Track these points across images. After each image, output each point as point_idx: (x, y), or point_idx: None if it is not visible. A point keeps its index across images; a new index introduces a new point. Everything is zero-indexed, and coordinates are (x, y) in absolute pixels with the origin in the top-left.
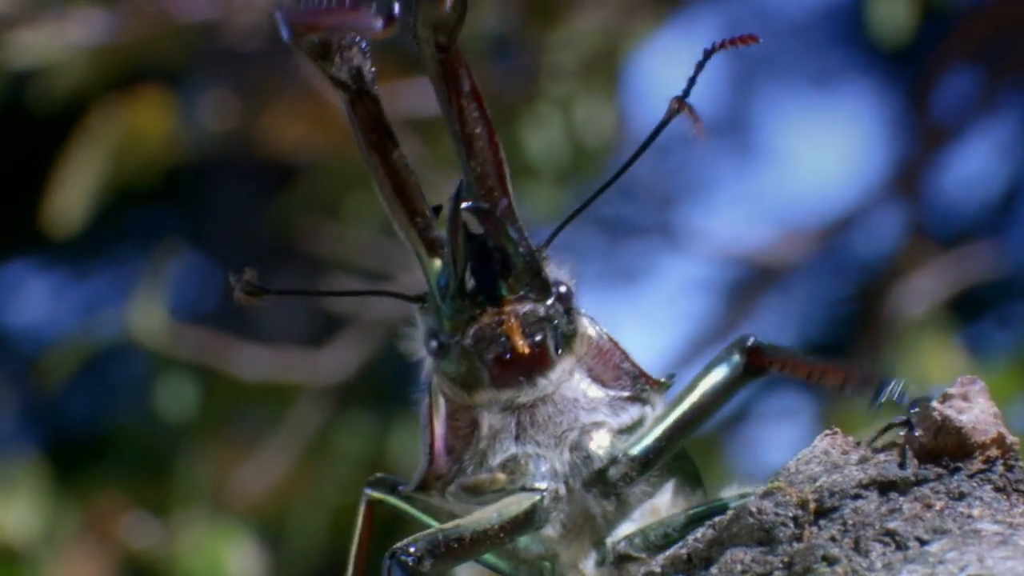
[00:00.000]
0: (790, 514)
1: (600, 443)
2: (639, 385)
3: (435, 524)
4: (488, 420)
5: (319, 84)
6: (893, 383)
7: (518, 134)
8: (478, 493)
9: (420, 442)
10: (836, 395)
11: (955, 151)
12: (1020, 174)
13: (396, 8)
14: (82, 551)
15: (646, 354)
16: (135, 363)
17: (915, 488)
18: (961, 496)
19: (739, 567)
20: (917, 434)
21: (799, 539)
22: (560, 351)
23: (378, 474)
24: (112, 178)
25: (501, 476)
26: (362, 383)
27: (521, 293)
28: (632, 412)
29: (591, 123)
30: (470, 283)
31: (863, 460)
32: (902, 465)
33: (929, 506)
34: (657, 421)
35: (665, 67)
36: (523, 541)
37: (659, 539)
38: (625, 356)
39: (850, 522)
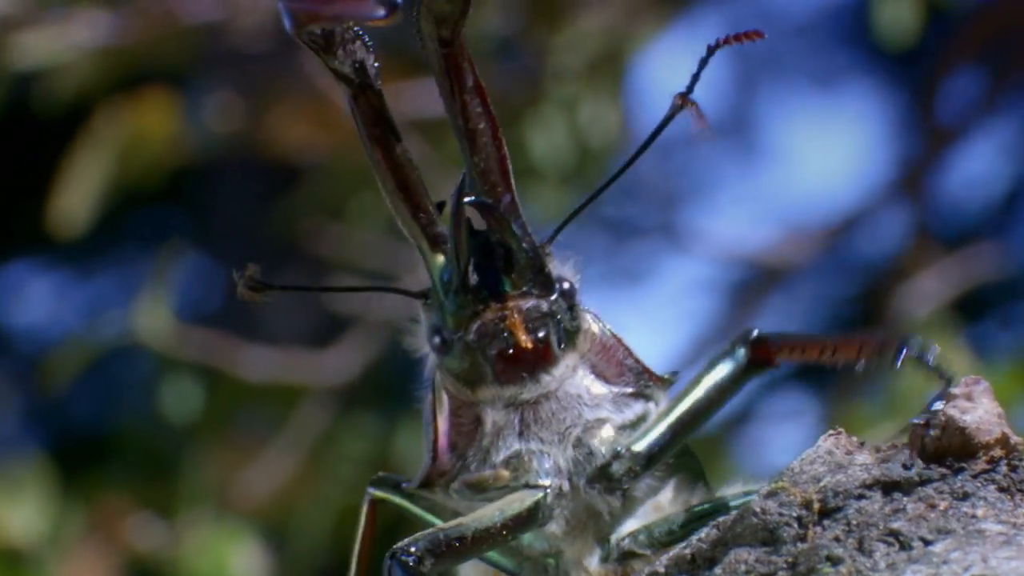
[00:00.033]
0: (794, 514)
1: (603, 439)
2: (642, 381)
3: (439, 522)
4: (491, 416)
5: (323, 85)
6: (913, 340)
7: (523, 135)
8: (482, 490)
9: (423, 439)
10: (854, 369)
11: (959, 152)
12: None
13: None
14: (87, 552)
15: (650, 355)
16: (140, 364)
17: (919, 488)
18: (965, 496)
19: (743, 567)
20: (932, 434)
21: (803, 539)
22: (563, 347)
23: (381, 473)
24: (117, 179)
25: (505, 473)
26: (367, 384)
27: (524, 289)
28: (635, 408)
29: (595, 124)
30: (473, 279)
31: (867, 460)
32: (906, 465)
33: (933, 506)
34: (661, 417)
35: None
36: (527, 538)
37: (663, 536)
38: (628, 352)
39: (854, 522)
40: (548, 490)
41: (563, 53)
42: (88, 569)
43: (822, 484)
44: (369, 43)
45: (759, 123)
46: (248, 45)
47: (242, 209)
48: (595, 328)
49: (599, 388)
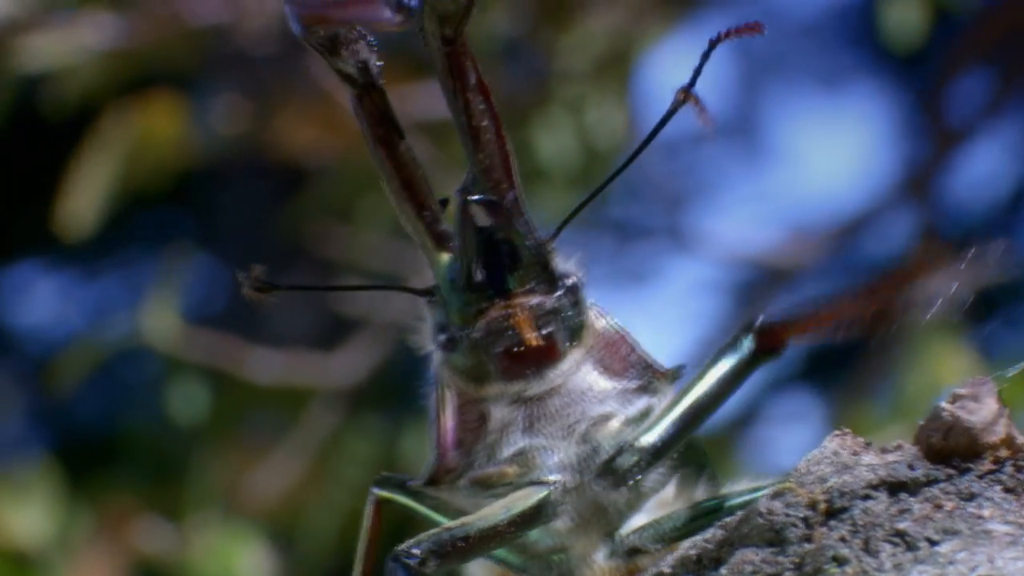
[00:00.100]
0: (800, 515)
1: (609, 434)
2: (648, 376)
3: (445, 521)
4: (497, 413)
5: (330, 88)
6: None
7: (529, 136)
8: (488, 486)
9: (429, 436)
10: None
11: (966, 153)
12: None
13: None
14: (94, 555)
15: (655, 354)
16: (147, 366)
17: (925, 489)
18: (971, 497)
19: (749, 568)
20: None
21: (809, 540)
22: (569, 343)
23: (385, 472)
24: (124, 182)
25: (511, 469)
26: (374, 386)
27: (529, 286)
28: (641, 403)
29: (602, 126)
30: (478, 276)
31: (873, 461)
32: (912, 466)
33: (939, 507)
34: (667, 410)
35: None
36: (533, 535)
37: (670, 531)
38: (634, 347)
39: (860, 523)
40: (554, 486)
41: (570, 54)
42: (95, 572)
43: (828, 485)
44: (372, 43)
45: (765, 124)
46: (255, 47)
47: (249, 211)
48: (600, 323)
49: (605, 383)
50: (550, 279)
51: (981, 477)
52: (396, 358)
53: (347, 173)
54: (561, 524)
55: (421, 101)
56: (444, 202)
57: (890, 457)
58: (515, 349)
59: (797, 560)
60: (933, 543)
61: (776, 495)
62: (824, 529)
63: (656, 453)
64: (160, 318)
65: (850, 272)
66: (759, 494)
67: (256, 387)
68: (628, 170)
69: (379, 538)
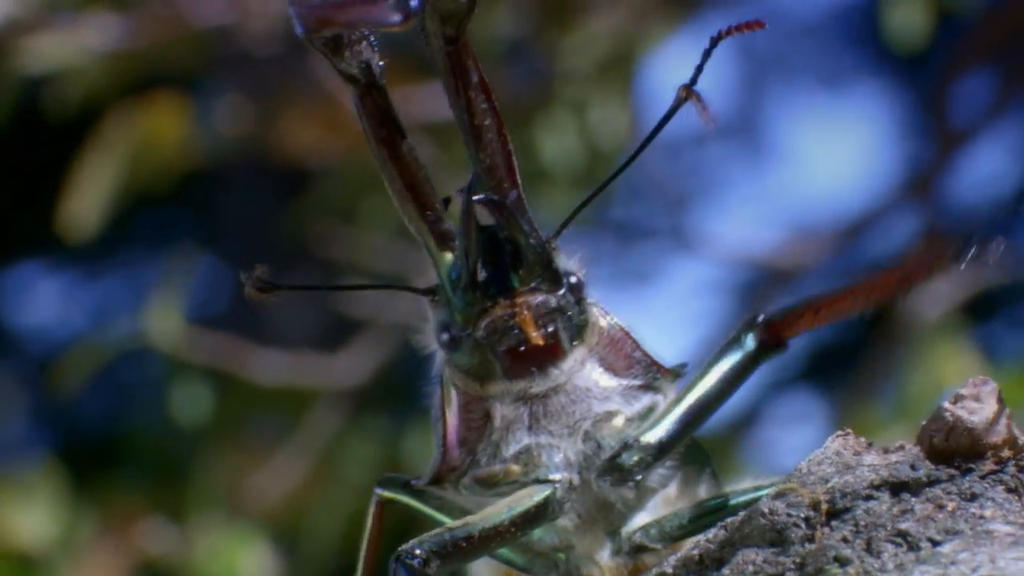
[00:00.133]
0: (802, 515)
1: (613, 432)
2: (651, 374)
3: (448, 521)
4: (501, 411)
5: (333, 89)
6: (977, 236)
7: (533, 137)
8: (492, 485)
9: (433, 435)
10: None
11: (968, 154)
12: None
13: (414, 1)
14: (98, 556)
15: (658, 352)
16: (150, 367)
17: (927, 489)
18: (973, 497)
19: (751, 568)
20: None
21: (811, 540)
22: (572, 341)
23: (388, 473)
24: (127, 183)
25: (515, 468)
26: (377, 388)
27: (532, 284)
28: (645, 401)
29: (605, 126)
30: (481, 275)
31: (875, 461)
32: (914, 466)
33: (941, 507)
34: (670, 407)
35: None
36: (537, 533)
37: (675, 530)
38: (637, 345)
39: (862, 523)
40: (558, 484)
41: (573, 56)
42: (98, 573)
43: (830, 485)
44: (375, 43)
45: (767, 124)
46: (258, 49)
47: (252, 212)
48: (603, 321)
49: (608, 381)
50: (553, 277)
51: (983, 477)
52: (399, 359)
53: (350, 174)
54: (565, 522)
55: (424, 102)
56: (447, 201)
57: (892, 457)
58: (519, 347)
59: (799, 560)
60: (935, 543)
61: (778, 495)
62: (826, 529)
63: (660, 450)
64: (164, 319)
65: (852, 273)
66: (762, 493)
67: (259, 388)
68: (631, 171)
69: (382, 539)
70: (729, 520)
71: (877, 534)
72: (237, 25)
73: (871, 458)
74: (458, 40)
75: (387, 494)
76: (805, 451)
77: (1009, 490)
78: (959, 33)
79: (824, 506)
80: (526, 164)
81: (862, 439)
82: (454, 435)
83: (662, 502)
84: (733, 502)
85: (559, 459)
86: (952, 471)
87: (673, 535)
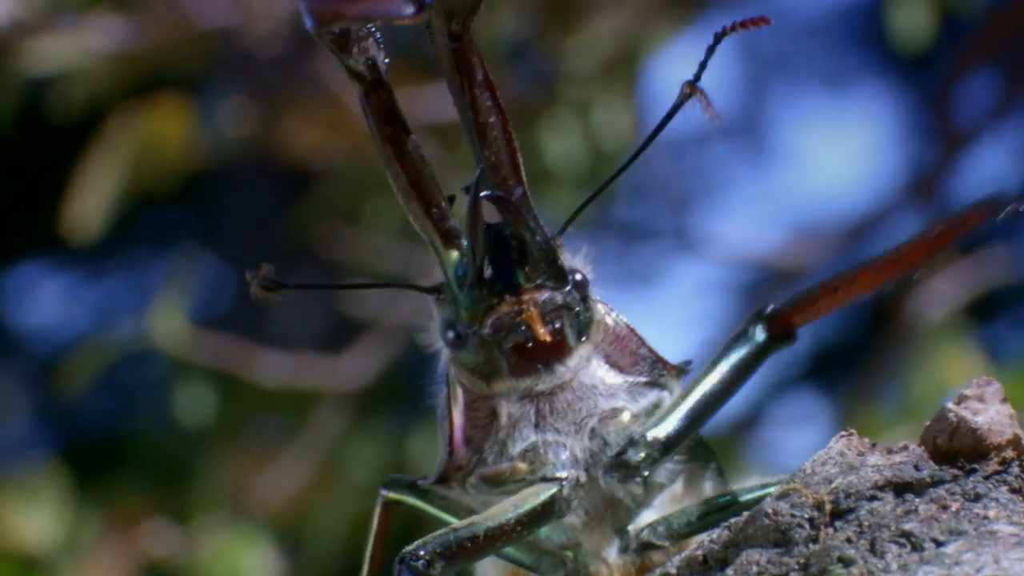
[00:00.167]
0: (806, 515)
1: (619, 428)
2: (656, 370)
3: (455, 521)
4: (507, 409)
5: (337, 89)
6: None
7: (537, 138)
8: (499, 483)
9: (439, 434)
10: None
11: (972, 155)
12: None
13: None
14: (102, 558)
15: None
16: (154, 368)
17: (931, 489)
18: (977, 497)
19: (755, 568)
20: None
21: (815, 540)
22: (578, 338)
23: (393, 474)
24: (131, 184)
25: (522, 466)
26: (381, 389)
27: (538, 281)
28: (650, 397)
29: (609, 127)
30: (487, 272)
31: (879, 461)
32: (918, 467)
33: (945, 507)
34: (676, 403)
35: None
36: (544, 531)
37: (682, 527)
38: (642, 342)
39: (866, 523)
40: (565, 482)
41: (577, 56)
42: (103, 574)
43: (834, 485)
44: (380, 40)
45: (771, 125)
46: (262, 50)
47: (256, 213)
48: (608, 318)
49: (614, 378)
50: (558, 274)
51: (987, 478)
52: (404, 361)
53: (354, 175)
54: (573, 520)
55: (429, 103)
56: (452, 199)
57: (896, 458)
58: (525, 344)
59: (803, 561)
60: (939, 544)
61: (782, 496)
62: (830, 530)
63: (666, 445)
64: (168, 320)
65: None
66: (770, 490)
67: (263, 389)
68: (634, 171)
69: (387, 540)
70: (733, 520)
71: (881, 535)
72: (241, 26)
73: (875, 459)
74: (462, 37)
75: (392, 495)
76: (809, 452)
77: (1013, 490)
78: (963, 34)
79: (828, 507)
80: (530, 165)
81: (866, 440)
82: (460, 434)
83: (669, 499)
84: (741, 499)
85: (566, 456)
86: (956, 472)
87: (681, 532)
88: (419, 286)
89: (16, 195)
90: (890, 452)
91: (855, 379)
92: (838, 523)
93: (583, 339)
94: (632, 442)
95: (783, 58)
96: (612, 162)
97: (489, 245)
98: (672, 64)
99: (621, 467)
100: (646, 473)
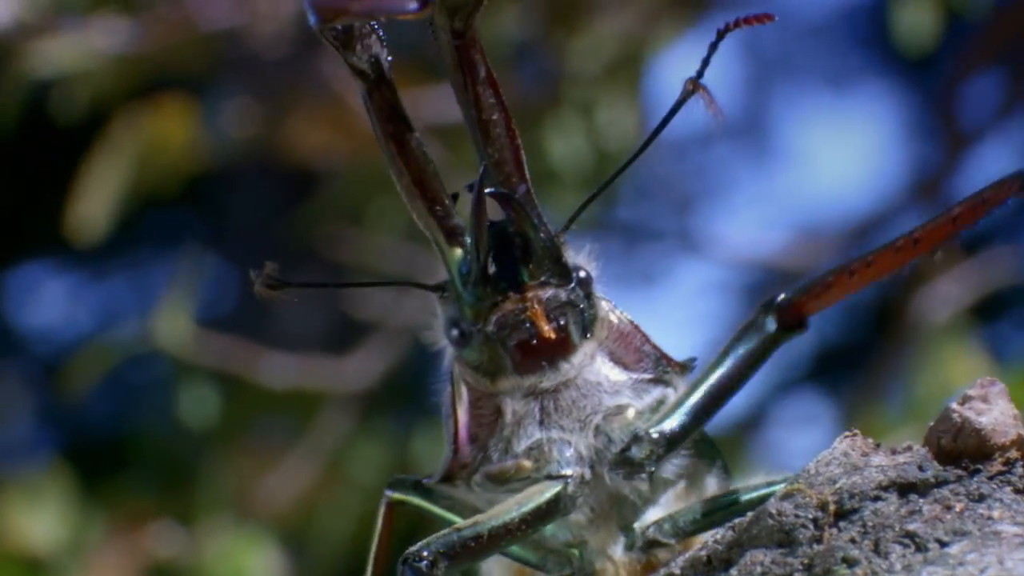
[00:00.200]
0: (810, 516)
1: (624, 425)
2: (661, 367)
3: (459, 521)
4: (511, 406)
5: (341, 90)
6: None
7: (541, 139)
8: (504, 481)
9: (444, 433)
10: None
11: (976, 156)
12: None
13: None
14: (106, 559)
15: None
16: (157, 369)
17: (935, 490)
18: (981, 498)
19: (759, 569)
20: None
21: (819, 541)
22: (582, 335)
23: (398, 475)
24: (135, 185)
25: (527, 463)
26: (386, 391)
27: (542, 278)
28: (655, 394)
29: (613, 128)
30: (491, 269)
31: (883, 462)
32: (922, 467)
33: (949, 508)
34: (682, 398)
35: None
36: (549, 529)
37: (688, 525)
38: (646, 339)
39: (870, 524)
40: (570, 480)
41: (581, 57)
42: None
43: (838, 486)
44: (383, 37)
45: (774, 125)
46: (266, 51)
47: (260, 215)
48: (612, 316)
49: (618, 375)
50: (562, 271)
51: (991, 478)
52: (408, 362)
53: (358, 176)
54: (578, 517)
55: (433, 104)
56: (455, 197)
57: (900, 458)
58: (529, 342)
59: (807, 561)
60: (943, 544)
61: (786, 496)
62: (834, 530)
63: (671, 441)
64: (172, 321)
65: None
66: (775, 488)
67: (268, 391)
68: (638, 172)
69: (392, 541)
70: (737, 521)
71: (885, 535)
72: (245, 27)
73: (879, 459)
74: (465, 34)
75: (397, 496)
76: (813, 452)
77: (1017, 491)
78: (967, 34)
79: (832, 507)
80: (534, 165)
81: (870, 440)
82: (465, 432)
83: (675, 497)
84: (746, 497)
85: (570, 454)
86: (960, 472)
87: (687, 530)
88: (423, 284)
89: (20, 196)
90: (894, 452)
91: (859, 379)
92: (842, 523)
93: (587, 336)
94: (636, 438)
95: (787, 58)
96: (616, 163)
97: (493, 242)
98: (676, 65)
99: (626, 464)
100: (651, 470)
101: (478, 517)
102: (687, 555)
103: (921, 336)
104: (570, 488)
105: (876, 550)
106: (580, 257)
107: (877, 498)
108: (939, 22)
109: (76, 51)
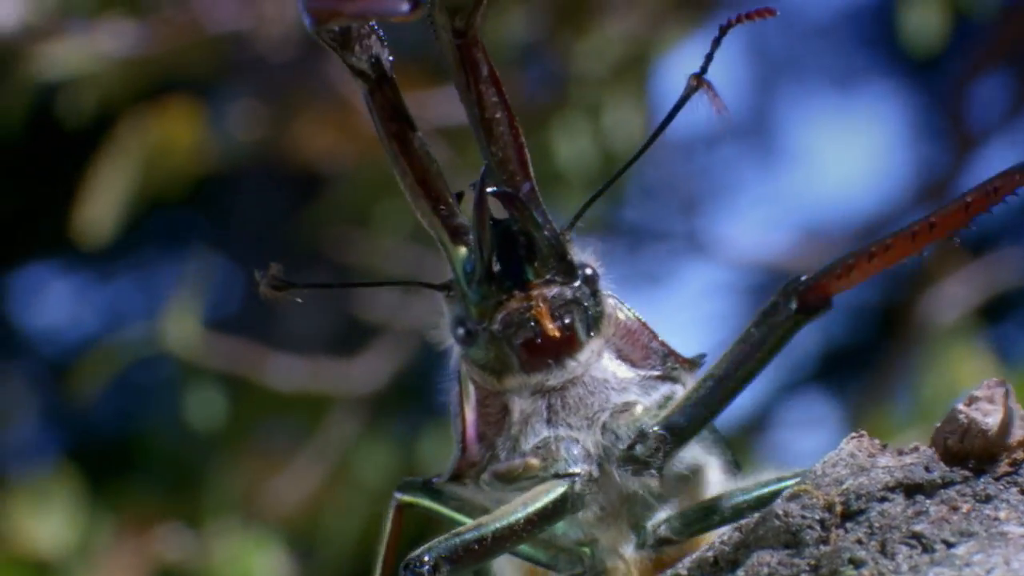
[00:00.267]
0: (817, 517)
1: (631, 422)
2: (669, 364)
3: (468, 521)
4: (519, 405)
5: (347, 93)
6: None
7: (547, 140)
8: (512, 479)
9: (452, 432)
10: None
11: (984, 157)
12: None
13: None
14: (114, 561)
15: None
16: (164, 371)
17: (941, 491)
18: (987, 499)
19: (765, 570)
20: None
21: (826, 542)
22: (588, 333)
23: (407, 477)
24: (141, 188)
25: (534, 461)
26: (393, 393)
27: (547, 277)
28: (662, 390)
29: (620, 129)
30: (496, 268)
31: (889, 463)
32: (928, 468)
33: (955, 509)
34: (690, 394)
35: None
36: (559, 528)
37: (698, 522)
38: (653, 336)
39: (876, 525)
40: (578, 478)
41: (587, 59)
42: None
43: (844, 487)
44: (383, 37)
45: (780, 126)
46: (272, 53)
47: (266, 217)
48: (619, 312)
49: (625, 372)
50: (568, 269)
51: (997, 479)
52: (415, 365)
53: (363, 178)
54: (588, 515)
55: (438, 106)
56: (459, 196)
57: (906, 459)
58: (535, 340)
59: (813, 562)
60: (949, 545)
61: (792, 497)
62: (840, 531)
63: (680, 436)
64: (179, 323)
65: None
66: (785, 484)
67: (275, 393)
68: (643, 173)
69: (399, 543)
70: (743, 522)
71: (891, 536)
72: (251, 30)
73: (885, 460)
74: (467, 34)
75: (406, 498)
76: (820, 453)
77: (1023, 492)
78: (975, 35)
79: (839, 508)
80: (541, 167)
81: (876, 441)
82: (473, 430)
83: (685, 495)
84: (756, 494)
85: (578, 451)
86: (966, 473)
87: (696, 528)
88: (429, 283)
89: (27, 198)
90: (901, 453)
91: (866, 380)
92: (849, 524)
93: (594, 333)
94: (643, 435)
95: (793, 59)
96: (622, 164)
97: (497, 241)
98: (682, 66)
99: (634, 461)
100: (660, 466)
101: (482, 519)
102: (694, 556)
103: (928, 337)
104: (578, 486)
105: (883, 551)
106: (586, 254)
107: (884, 499)
108: (946, 23)
109: (83, 54)
